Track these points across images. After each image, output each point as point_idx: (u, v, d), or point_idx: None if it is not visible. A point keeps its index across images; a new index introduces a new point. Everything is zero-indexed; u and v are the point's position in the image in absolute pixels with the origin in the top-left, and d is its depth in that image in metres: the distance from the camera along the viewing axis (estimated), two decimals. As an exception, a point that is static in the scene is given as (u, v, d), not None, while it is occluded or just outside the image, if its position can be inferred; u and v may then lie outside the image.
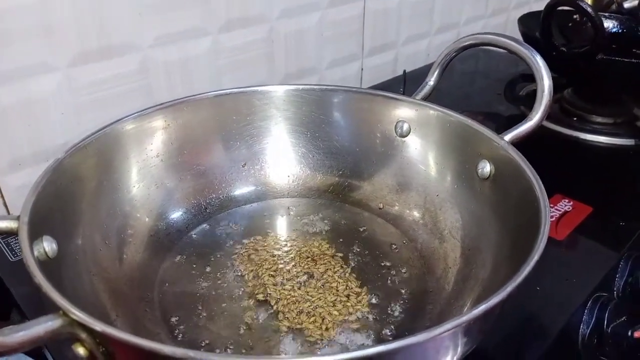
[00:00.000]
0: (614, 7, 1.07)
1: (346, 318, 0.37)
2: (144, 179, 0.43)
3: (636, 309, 0.46)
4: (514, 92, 0.74)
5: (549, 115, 0.65)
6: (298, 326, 0.36)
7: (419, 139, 0.45)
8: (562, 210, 0.51)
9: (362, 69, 0.76)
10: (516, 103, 0.71)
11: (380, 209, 0.47)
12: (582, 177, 0.57)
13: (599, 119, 0.66)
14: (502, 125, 0.68)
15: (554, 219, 0.49)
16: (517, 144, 0.40)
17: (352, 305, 0.37)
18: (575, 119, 0.67)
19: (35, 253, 0.30)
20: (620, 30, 0.76)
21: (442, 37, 0.87)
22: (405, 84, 0.75)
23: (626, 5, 1.03)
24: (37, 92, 0.46)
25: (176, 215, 0.44)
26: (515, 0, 0.98)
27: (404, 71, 0.77)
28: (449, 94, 0.74)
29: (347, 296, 0.38)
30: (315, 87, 0.48)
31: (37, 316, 0.37)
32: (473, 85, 0.82)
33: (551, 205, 0.51)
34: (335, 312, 0.37)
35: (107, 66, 0.50)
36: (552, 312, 0.40)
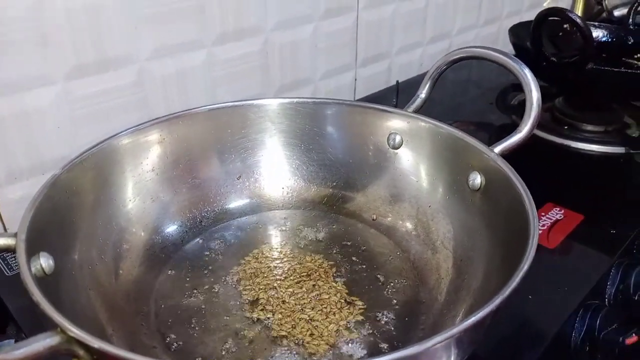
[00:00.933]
0: (604, 15, 1.08)
1: (341, 330, 0.37)
2: (140, 193, 0.43)
3: (627, 315, 0.46)
4: (506, 101, 0.75)
5: (540, 124, 0.66)
6: (293, 339, 0.36)
7: (411, 151, 0.46)
8: (554, 218, 0.52)
9: (355, 79, 0.77)
10: (508, 112, 0.71)
11: (373, 220, 0.47)
12: (573, 185, 0.58)
13: (590, 127, 0.67)
14: (494, 134, 0.69)
15: (545, 227, 0.50)
16: (508, 154, 0.40)
17: (346, 317, 0.38)
18: (566, 127, 0.68)
19: (33, 270, 0.30)
20: (609, 40, 0.77)
21: (435, 46, 0.88)
22: (398, 94, 0.76)
23: (616, 13, 1.05)
24: (33, 104, 0.47)
25: (171, 228, 0.45)
26: (507, 9, 0.99)
27: (397, 82, 0.78)
28: (441, 103, 0.75)
29: (341, 308, 0.39)
30: (308, 100, 0.48)
31: (34, 330, 0.37)
32: (465, 94, 0.82)
33: (543, 213, 0.52)
34: (331, 325, 0.37)
35: (104, 79, 0.50)
36: (545, 320, 0.40)
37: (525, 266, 0.29)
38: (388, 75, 0.82)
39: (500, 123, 0.71)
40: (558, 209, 0.53)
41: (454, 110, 0.75)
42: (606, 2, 1.06)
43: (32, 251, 0.31)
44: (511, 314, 0.39)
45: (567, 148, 0.65)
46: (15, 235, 0.31)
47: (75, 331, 0.25)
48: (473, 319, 0.26)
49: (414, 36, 0.83)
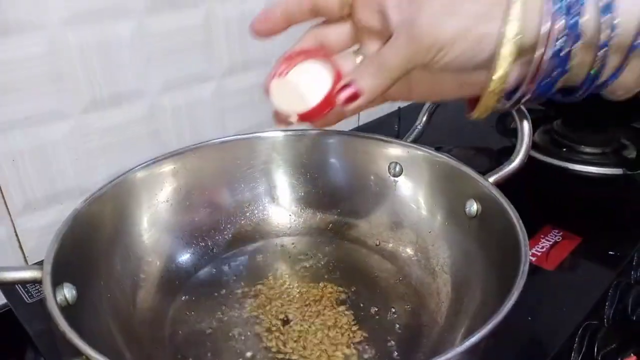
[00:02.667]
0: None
1: (347, 354, 0.39)
2: (155, 224, 0.45)
3: (625, 336, 0.48)
4: (505, 124, 0.76)
5: (539, 147, 0.68)
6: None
7: (410, 179, 0.48)
8: (552, 240, 0.53)
9: (359, 105, 0.79)
10: (507, 136, 0.73)
11: (377, 245, 0.49)
12: (571, 207, 0.60)
13: (588, 149, 0.69)
14: (494, 159, 0.71)
15: (544, 249, 0.52)
16: (503, 182, 0.42)
17: (351, 342, 0.40)
18: (564, 149, 0.69)
19: (58, 299, 0.32)
20: (605, 62, 0.79)
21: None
22: (400, 120, 0.78)
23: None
24: (49, 138, 0.49)
25: (184, 257, 0.47)
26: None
27: (399, 108, 0.81)
28: (441, 128, 0.77)
29: (346, 333, 0.40)
30: (312, 131, 0.51)
31: (52, 354, 0.40)
32: (465, 118, 0.84)
33: (541, 236, 0.53)
34: (338, 352, 0.39)
35: (117, 113, 0.53)
36: (544, 341, 0.42)
37: (515, 293, 0.31)
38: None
39: (500, 147, 0.72)
40: (557, 230, 0.54)
41: (455, 135, 0.76)
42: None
43: (57, 282, 0.33)
44: (511, 335, 0.40)
45: (565, 170, 0.66)
46: (40, 267, 0.34)
47: (99, 359, 0.27)
48: (469, 342, 0.28)
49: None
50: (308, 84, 0.32)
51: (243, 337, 0.41)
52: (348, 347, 0.39)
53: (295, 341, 0.40)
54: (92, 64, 0.49)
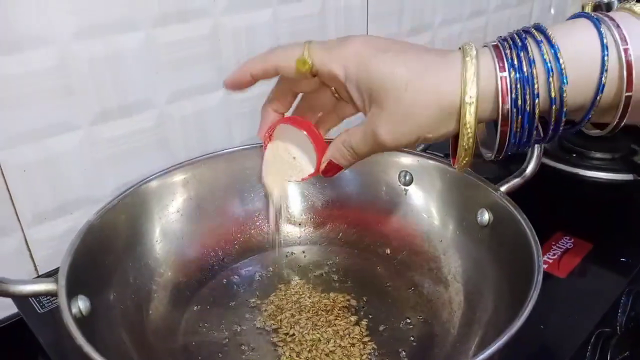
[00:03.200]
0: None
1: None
2: (167, 234, 0.46)
3: (638, 343, 0.47)
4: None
5: (549, 153, 0.68)
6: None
7: (421, 188, 0.48)
8: (564, 247, 0.53)
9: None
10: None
11: (388, 254, 0.49)
12: (581, 213, 0.59)
13: (598, 155, 0.68)
14: (504, 165, 0.70)
15: (556, 256, 0.52)
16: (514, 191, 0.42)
17: (364, 352, 0.40)
18: (574, 155, 0.69)
19: (73, 311, 0.33)
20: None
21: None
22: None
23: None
24: (59, 149, 0.49)
25: (195, 266, 0.47)
26: (495, 3, 1.00)
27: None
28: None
29: (358, 344, 0.40)
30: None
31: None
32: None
33: (553, 243, 0.53)
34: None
35: (126, 123, 0.53)
36: (557, 349, 0.41)
37: (530, 304, 0.31)
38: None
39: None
40: (568, 237, 0.54)
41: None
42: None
43: (71, 294, 0.34)
44: (523, 343, 0.39)
45: (575, 176, 0.66)
46: (55, 280, 0.34)
47: (116, 373, 0.27)
48: (482, 357, 0.28)
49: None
50: (297, 156, 0.38)
51: (255, 347, 0.41)
52: (360, 357, 0.39)
53: (308, 351, 0.40)
54: (101, 76, 0.50)
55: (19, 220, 0.49)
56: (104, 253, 0.40)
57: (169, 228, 0.46)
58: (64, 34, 0.46)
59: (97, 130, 0.51)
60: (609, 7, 1.15)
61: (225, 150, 0.49)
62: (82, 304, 0.35)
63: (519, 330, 0.30)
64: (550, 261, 0.51)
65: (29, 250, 0.51)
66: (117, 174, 0.54)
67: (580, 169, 0.66)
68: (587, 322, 0.44)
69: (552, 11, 1.06)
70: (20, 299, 0.45)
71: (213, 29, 0.57)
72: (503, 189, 0.41)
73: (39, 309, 0.47)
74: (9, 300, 0.47)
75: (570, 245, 0.53)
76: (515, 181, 0.41)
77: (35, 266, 0.52)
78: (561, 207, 0.60)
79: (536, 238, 0.35)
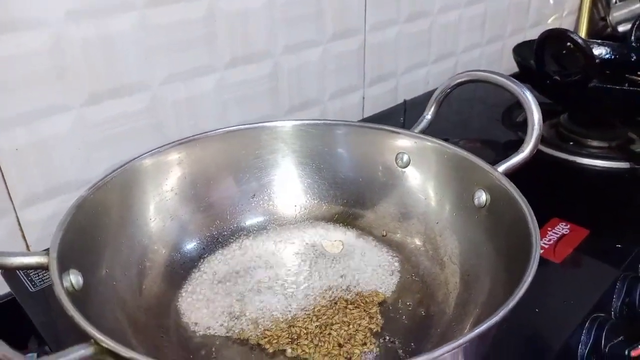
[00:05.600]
0: (608, 30, 1.10)
1: (353, 343, 0.38)
2: (160, 212, 0.45)
3: (633, 328, 0.47)
4: (511, 118, 0.76)
5: (546, 140, 0.68)
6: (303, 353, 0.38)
7: (418, 170, 0.48)
8: (560, 233, 0.53)
9: (363, 99, 0.79)
10: (513, 129, 0.73)
11: (383, 236, 0.49)
12: (578, 200, 0.59)
13: (595, 143, 0.69)
14: (500, 151, 0.71)
15: (551, 242, 0.51)
16: (512, 172, 0.42)
17: (357, 331, 0.39)
18: (571, 143, 0.69)
19: (64, 285, 0.32)
20: (612, 57, 0.79)
21: (440, 65, 0.90)
22: (405, 113, 0.78)
23: (620, 29, 1.07)
24: (51, 131, 0.49)
25: (190, 246, 0.47)
26: (510, 28, 1.02)
27: (405, 100, 0.80)
28: (447, 120, 0.77)
29: (354, 323, 0.40)
30: (319, 122, 0.51)
31: (57, 343, 0.40)
32: (471, 111, 0.84)
33: (549, 228, 0.53)
34: (348, 342, 0.38)
35: (119, 105, 0.52)
36: (551, 333, 0.41)
37: (528, 279, 0.31)
38: (395, 94, 0.84)
39: (506, 140, 0.72)
40: (564, 223, 0.54)
41: (461, 127, 0.76)
42: (610, 18, 1.08)
43: (63, 268, 0.33)
44: (518, 327, 0.40)
45: (572, 164, 0.66)
46: (46, 253, 0.33)
47: (108, 342, 0.27)
48: (478, 331, 0.28)
49: (419, 56, 0.86)
50: None
51: (250, 330, 0.40)
52: (357, 336, 0.39)
53: (308, 331, 0.39)
54: (94, 57, 0.49)
55: (11, 201, 0.49)
56: (97, 228, 0.39)
57: (163, 206, 0.45)
58: (57, 15, 0.46)
59: (90, 112, 0.51)
60: (607, 1, 1.15)
61: (220, 130, 0.49)
62: (73, 278, 0.34)
63: (516, 308, 0.30)
64: (546, 246, 0.51)
65: (22, 231, 0.51)
66: (110, 156, 0.53)
67: (578, 156, 0.66)
68: (582, 307, 0.44)
69: (551, 1, 1.06)
70: (10, 273, 0.45)
71: (208, 11, 0.56)
72: (501, 169, 0.41)
73: (31, 288, 0.46)
74: (0, 279, 0.46)
75: (566, 231, 0.53)
76: (514, 161, 0.41)
77: (27, 247, 0.52)
78: (558, 193, 0.60)
79: (533, 216, 0.35)
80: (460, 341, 0.27)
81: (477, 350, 0.31)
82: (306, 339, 0.38)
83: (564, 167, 0.66)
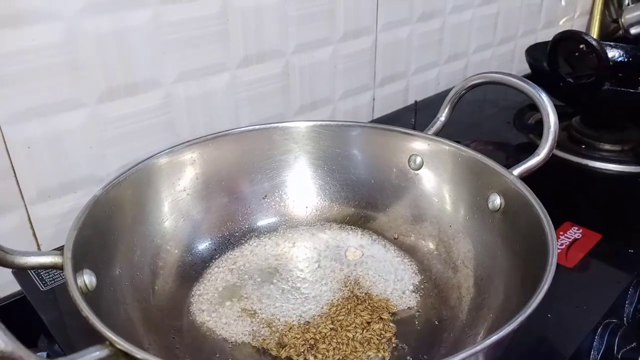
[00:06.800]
0: (620, 32, 1.09)
1: (367, 347, 0.38)
2: (173, 212, 0.45)
3: (646, 335, 0.47)
4: (523, 120, 0.76)
5: (558, 143, 0.67)
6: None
7: (432, 172, 0.48)
8: (572, 237, 0.52)
9: (374, 99, 0.79)
10: (525, 131, 0.73)
11: (395, 239, 0.49)
12: (591, 204, 0.59)
13: (607, 146, 0.68)
14: (511, 154, 0.70)
15: (564, 246, 0.51)
16: (527, 176, 0.42)
17: (372, 335, 0.39)
18: (583, 146, 0.69)
19: (78, 285, 0.32)
20: (625, 59, 0.78)
21: (451, 66, 0.90)
22: (416, 114, 0.78)
23: (632, 31, 1.06)
24: (65, 126, 0.49)
25: (202, 246, 0.47)
26: (522, 29, 1.01)
27: (416, 102, 0.80)
28: (459, 122, 0.76)
29: (367, 327, 0.40)
30: (332, 122, 0.50)
31: (67, 342, 0.39)
32: (483, 113, 0.84)
33: (561, 233, 0.53)
34: (358, 345, 0.38)
35: (132, 102, 0.52)
36: (564, 338, 0.41)
37: (545, 286, 0.31)
38: (405, 95, 0.84)
39: (518, 142, 0.72)
40: (576, 227, 0.54)
41: (472, 129, 0.76)
42: (622, 20, 1.07)
43: (77, 268, 0.33)
44: (530, 332, 0.40)
45: (584, 167, 0.65)
46: (61, 253, 0.33)
47: (123, 344, 0.27)
48: (493, 338, 0.27)
49: (430, 56, 0.85)
50: None
51: (258, 331, 0.40)
52: (369, 341, 0.39)
53: (319, 334, 0.39)
54: (108, 53, 0.49)
55: (22, 197, 0.49)
56: (111, 228, 0.39)
57: (175, 206, 0.45)
58: (71, 9, 0.46)
59: (103, 108, 0.51)
60: (620, 3, 1.14)
61: (233, 130, 0.49)
62: (87, 278, 0.34)
63: (531, 314, 0.30)
64: (558, 251, 0.50)
65: (32, 228, 0.51)
66: (122, 153, 0.53)
67: (590, 160, 0.66)
68: (594, 313, 0.43)
69: (563, 2, 1.05)
70: (22, 273, 0.45)
71: (222, 8, 0.56)
72: (516, 172, 0.40)
73: (42, 287, 0.46)
74: (12, 278, 0.47)
75: (578, 236, 0.53)
76: (529, 164, 0.41)
77: (37, 244, 0.52)
78: (570, 197, 0.60)
79: (549, 220, 0.35)
80: (476, 349, 0.27)
81: (491, 357, 0.31)
82: (323, 342, 0.38)
83: (576, 170, 0.65)
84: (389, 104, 0.81)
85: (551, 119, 0.41)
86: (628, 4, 1.07)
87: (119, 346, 0.27)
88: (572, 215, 0.55)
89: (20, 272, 0.45)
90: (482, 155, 0.43)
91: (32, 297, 0.45)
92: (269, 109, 0.65)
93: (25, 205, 0.49)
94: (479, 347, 0.27)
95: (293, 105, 0.68)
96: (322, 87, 0.70)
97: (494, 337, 0.28)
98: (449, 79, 0.89)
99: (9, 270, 0.45)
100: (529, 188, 0.39)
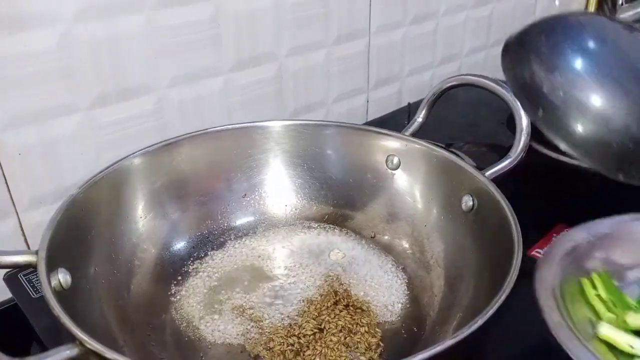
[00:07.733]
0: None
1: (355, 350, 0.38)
2: (150, 211, 0.46)
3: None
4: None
5: (548, 143, 0.66)
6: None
7: (408, 173, 0.48)
8: (564, 240, 0.52)
9: (367, 102, 0.79)
10: (517, 133, 0.72)
11: (372, 237, 0.49)
12: (582, 205, 0.58)
13: (600, 148, 0.67)
14: (504, 155, 0.69)
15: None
16: (499, 178, 0.42)
17: (360, 340, 0.39)
18: (574, 147, 0.68)
19: (52, 284, 0.33)
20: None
21: (445, 68, 0.89)
22: (409, 116, 0.78)
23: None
24: (58, 132, 0.49)
25: (180, 245, 0.47)
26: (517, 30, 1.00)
27: (409, 104, 0.80)
28: (453, 123, 0.76)
29: (348, 327, 0.40)
30: (310, 122, 0.51)
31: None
32: (477, 115, 0.83)
33: (554, 235, 0.52)
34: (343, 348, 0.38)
35: (125, 107, 0.52)
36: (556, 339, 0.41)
37: (507, 289, 0.31)
38: (399, 97, 0.84)
39: (511, 144, 0.71)
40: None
41: (466, 131, 0.75)
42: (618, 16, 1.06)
43: (52, 267, 0.34)
44: (523, 332, 0.39)
45: (576, 168, 0.64)
46: (36, 252, 0.34)
47: (93, 344, 0.27)
48: (454, 340, 0.28)
49: (424, 59, 0.85)
50: None
51: (235, 327, 0.40)
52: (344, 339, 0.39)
53: (287, 330, 0.40)
54: (101, 58, 0.49)
55: (14, 204, 0.49)
56: (87, 227, 0.40)
57: (153, 205, 0.46)
58: (65, 15, 0.46)
59: (96, 113, 0.51)
60: (613, 3, 1.13)
61: (212, 129, 0.49)
62: (62, 277, 0.35)
63: (496, 314, 0.30)
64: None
65: (24, 234, 0.51)
66: (115, 158, 0.53)
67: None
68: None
69: (557, 3, 1.04)
70: (15, 279, 0.45)
71: (214, 13, 0.56)
72: (488, 174, 0.41)
73: (33, 294, 0.45)
74: (3, 285, 0.47)
75: (571, 238, 0.52)
76: (500, 167, 0.41)
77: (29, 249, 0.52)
78: (562, 198, 0.59)
79: (517, 221, 0.35)
80: (440, 348, 0.27)
81: (455, 356, 0.31)
82: (308, 348, 0.38)
83: (568, 171, 0.64)
84: (383, 106, 0.81)
85: (523, 121, 0.41)
86: (622, 4, 1.06)
87: (88, 345, 0.27)
88: (563, 216, 0.54)
89: (12, 279, 0.45)
90: (455, 157, 0.43)
91: (23, 304, 0.44)
92: (263, 113, 0.64)
93: (16, 212, 0.49)
94: (439, 348, 0.27)
95: (287, 109, 0.68)
96: (316, 90, 0.70)
97: (452, 340, 0.28)
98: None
99: (0, 277, 0.46)
100: (499, 190, 0.39)
